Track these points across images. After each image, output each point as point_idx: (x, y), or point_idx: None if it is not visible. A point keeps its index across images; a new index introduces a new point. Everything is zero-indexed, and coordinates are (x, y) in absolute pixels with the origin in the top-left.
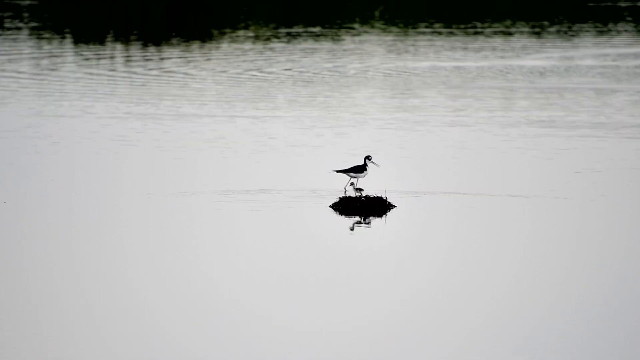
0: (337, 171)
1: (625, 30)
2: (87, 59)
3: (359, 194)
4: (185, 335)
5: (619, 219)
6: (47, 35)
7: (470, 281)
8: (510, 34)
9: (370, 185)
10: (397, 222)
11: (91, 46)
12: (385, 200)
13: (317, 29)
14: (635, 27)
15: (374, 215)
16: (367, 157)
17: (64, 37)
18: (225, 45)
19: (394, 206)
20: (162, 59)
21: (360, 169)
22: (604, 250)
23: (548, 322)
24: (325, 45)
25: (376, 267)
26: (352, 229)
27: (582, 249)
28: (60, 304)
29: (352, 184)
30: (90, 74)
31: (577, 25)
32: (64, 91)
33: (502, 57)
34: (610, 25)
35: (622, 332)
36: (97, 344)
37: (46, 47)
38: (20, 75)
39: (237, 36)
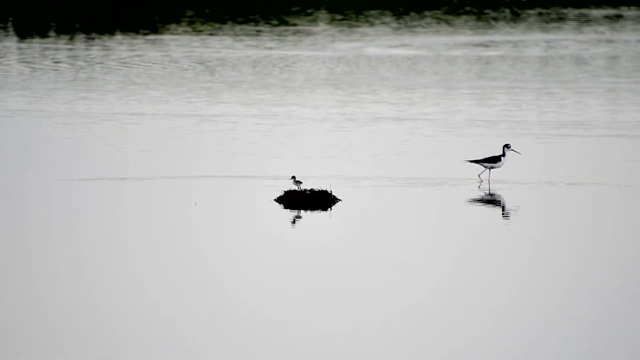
0: (472, 161)
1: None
2: (30, 52)
3: (299, 187)
4: (181, 328)
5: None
6: None
7: (415, 273)
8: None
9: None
10: (341, 215)
11: (34, 39)
12: (330, 194)
13: (273, 22)
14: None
15: (318, 209)
16: (506, 146)
17: (5, 30)
18: (170, 37)
19: (339, 200)
20: (109, 50)
21: (495, 159)
22: (603, 248)
23: (550, 320)
24: (281, 34)
25: (319, 260)
26: (294, 223)
27: (581, 245)
28: (63, 297)
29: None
30: (34, 68)
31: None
32: (9, 85)
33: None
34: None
35: (628, 332)
36: (95, 338)
37: None
38: None
39: (184, 28)
